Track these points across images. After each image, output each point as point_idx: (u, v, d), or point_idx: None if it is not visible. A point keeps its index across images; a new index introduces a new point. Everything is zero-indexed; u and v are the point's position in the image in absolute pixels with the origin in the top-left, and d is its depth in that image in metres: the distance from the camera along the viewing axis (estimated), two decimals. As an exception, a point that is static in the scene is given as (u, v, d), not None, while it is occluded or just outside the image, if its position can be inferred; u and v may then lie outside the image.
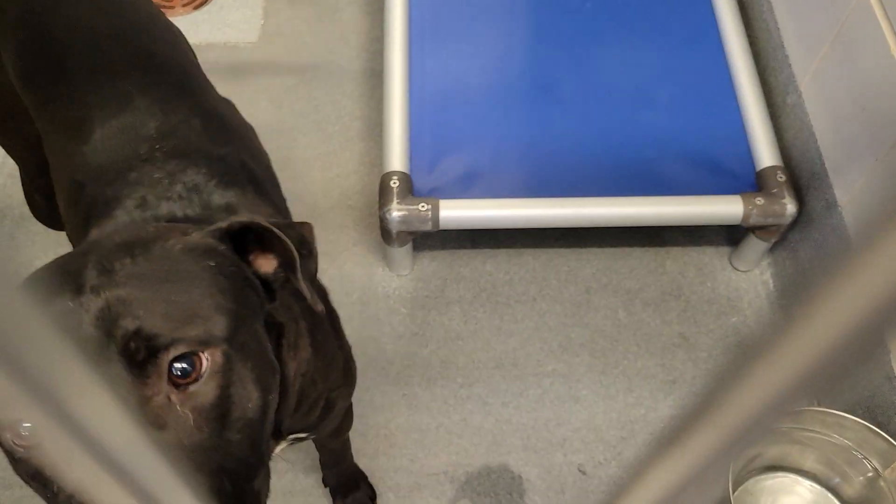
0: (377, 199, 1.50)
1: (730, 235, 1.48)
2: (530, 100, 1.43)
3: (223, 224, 0.59)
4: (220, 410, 0.52)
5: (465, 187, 1.32)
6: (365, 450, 1.27)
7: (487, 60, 1.47)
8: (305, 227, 0.64)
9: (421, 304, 1.40)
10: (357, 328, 1.37)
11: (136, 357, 0.49)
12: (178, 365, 0.51)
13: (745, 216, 1.29)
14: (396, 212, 1.27)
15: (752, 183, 1.34)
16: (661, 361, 1.36)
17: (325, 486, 1.23)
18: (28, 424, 0.47)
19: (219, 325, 0.53)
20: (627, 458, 1.28)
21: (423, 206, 1.27)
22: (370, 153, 1.56)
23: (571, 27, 1.51)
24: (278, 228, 0.59)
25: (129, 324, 0.50)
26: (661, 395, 1.33)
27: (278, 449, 0.87)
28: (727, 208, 1.29)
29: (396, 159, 1.32)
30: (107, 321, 0.50)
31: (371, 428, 1.29)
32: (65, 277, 0.52)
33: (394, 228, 1.28)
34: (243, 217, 0.60)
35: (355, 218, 1.49)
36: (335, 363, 0.87)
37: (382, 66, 1.67)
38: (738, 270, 1.45)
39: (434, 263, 1.45)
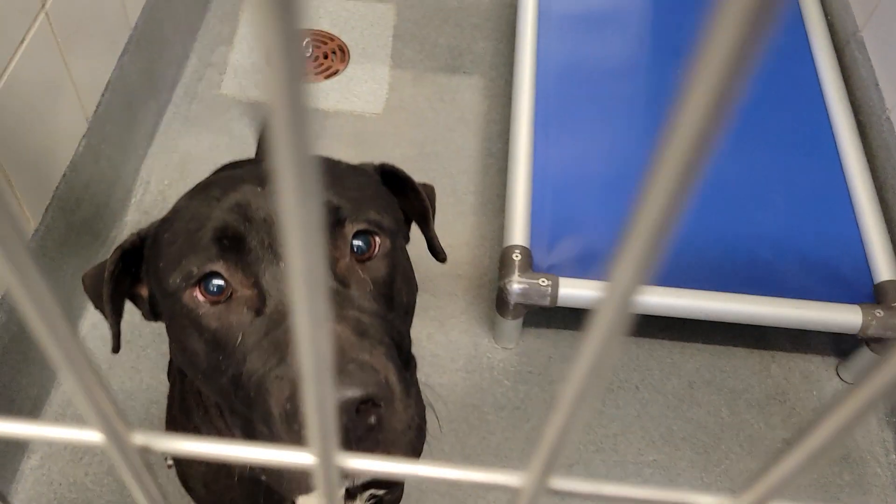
0: (487, 270, 1.54)
1: (837, 345, 1.47)
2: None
3: (375, 163, 0.69)
4: (388, 289, 0.58)
5: (583, 267, 1.35)
6: (461, 518, 1.26)
7: (606, 149, 1.53)
8: (429, 188, 0.74)
9: (525, 379, 1.41)
10: (461, 395, 1.39)
11: (327, 221, 0.56)
12: (357, 242, 0.58)
13: (864, 327, 1.28)
14: (517, 284, 1.30)
15: (870, 294, 1.34)
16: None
17: None
18: None
19: (387, 221, 0.60)
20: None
21: (543, 281, 1.29)
22: (482, 227, 1.61)
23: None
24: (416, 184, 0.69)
25: (322, 198, 0.55)
26: None
27: None
28: (845, 317, 1.29)
29: (519, 234, 1.36)
30: None
31: (469, 498, 1.28)
32: (244, 176, 0.59)
33: (512, 300, 1.31)
34: (392, 165, 0.70)
35: (465, 287, 1.53)
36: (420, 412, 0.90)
37: (498, 147, 1.75)
38: (845, 382, 1.43)
39: (539, 340, 1.46)
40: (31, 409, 1.26)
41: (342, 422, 0.48)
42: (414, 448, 0.54)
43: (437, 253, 0.74)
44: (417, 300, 1.54)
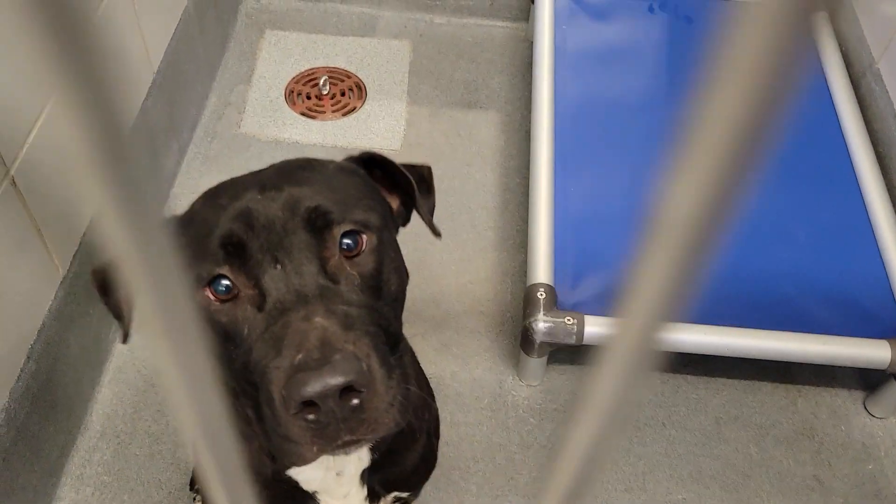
0: (510, 307, 1.54)
1: (864, 379, 1.47)
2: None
3: (356, 154, 0.75)
4: (376, 281, 0.65)
5: (607, 304, 1.35)
6: (490, 561, 1.25)
7: (627, 185, 1.53)
8: (425, 168, 0.79)
9: (550, 417, 1.41)
10: (487, 434, 1.38)
11: (317, 225, 0.63)
12: (345, 240, 0.64)
13: (893, 362, 1.28)
14: (543, 323, 1.30)
15: (896, 328, 1.33)
16: (795, 503, 1.33)
17: None
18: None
19: (373, 219, 0.66)
20: None
21: (569, 320, 1.29)
22: (503, 263, 1.61)
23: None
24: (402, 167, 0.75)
25: (310, 203, 0.63)
26: (795, 538, 1.29)
27: None
28: (873, 352, 1.28)
29: (543, 272, 1.36)
30: (291, 205, 0.63)
31: (497, 539, 1.27)
32: (246, 184, 0.66)
33: (538, 339, 1.31)
34: (372, 152, 0.75)
35: (487, 325, 1.52)
36: (429, 402, 0.94)
37: (516, 182, 1.75)
38: (873, 416, 1.42)
39: (564, 377, 1.46)
40: (57, 457, 1.26)
41: (329, 405, 0.55)
42: (396, 423, 0.60)
43: (433, 229, 0.80)
44: (440, 338, 1.53)
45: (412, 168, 0.78)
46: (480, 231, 1.67)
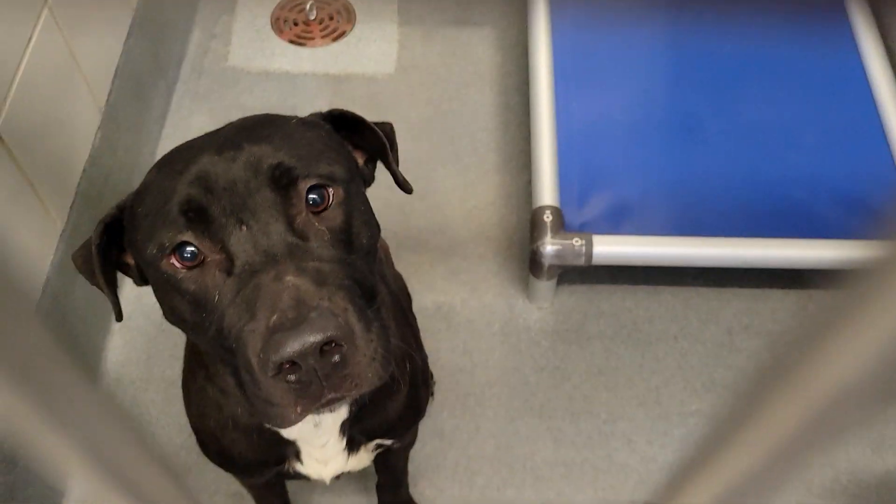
0: (516, 230, 1.53)
1: (875, 281, 1.46)
2: (675, 139, 1.44)
3: (323, 110, 0.72)
4: (346, 235, 0.63)
5: (615, 224, 1.33)
6: (511, 481, 1.27)
7: (631, 99, 1.49)
8: (387, 125, 0.77)
9: (562, 338, 1.41)
10: (500, 359, 1.39)
11: (281, 182, 0.61)
12: (311, 196, 0.62)
13: (906, 263, 1.26)
14: (550, 246, 1.28)
15: (909, 229, 1.31)
16: (808, 407, 1.34)
17: None
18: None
19: (339, 171, 0.65)
20: (778, 505, 1.25)
21: (576, 241, 1.28)
22: (507, 185, 1.59)
23: (714, 68, 1.51)
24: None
25: (272, 160, 0.61)
26: (809, 441, 1.31)
27: (367, 459, 0.89)
28: (886, 254, 1.27)
29: (548, 194, 1.33)
30: (253, 163, 0.61)
31: (517, 459, 1.29)
32: (202, 146, 0.64)
33: (546, 262, 1.30)
34: (341, 109, 0.72)
35: (494, 249, 1.51)
36: (413, 351, 0.92)
37: (516, 101, 1.71)
38: (885, 317, 1.42)
39: (573, 298, 1.45)
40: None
41: (309, 364, 0.54)
42: (379, 376, 0.59)
43: (402, 185, 0.77)
44: (447, 266, 1.52)
45: (378, 124, 0.75)
46: (482, 154, 1.64)
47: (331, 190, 0.63)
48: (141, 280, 0.71)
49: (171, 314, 0.65)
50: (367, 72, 1.76)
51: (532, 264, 1.34)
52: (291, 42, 1.80)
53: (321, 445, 0.81)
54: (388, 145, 0.73)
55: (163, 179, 0.63)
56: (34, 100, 1.09)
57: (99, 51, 1.31)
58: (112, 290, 0.70)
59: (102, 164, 1.30)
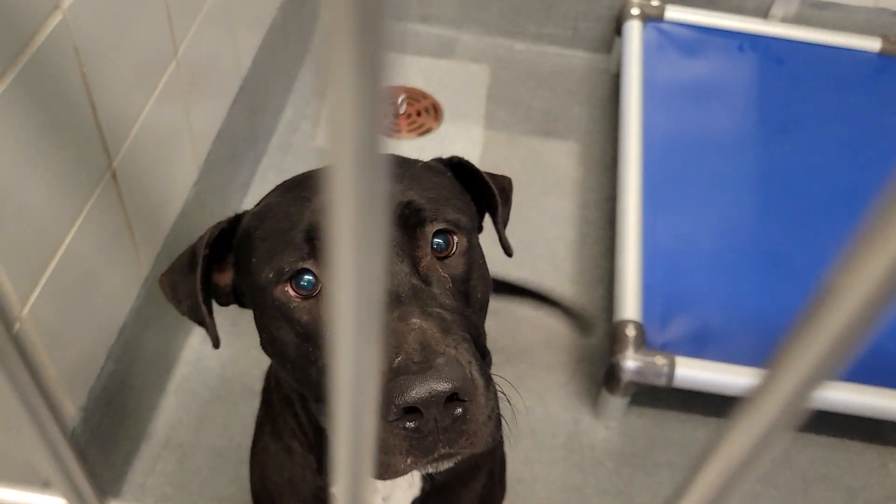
0: (588, 343, 1.49)
1: (961, 446, 1.38)
2: (761, 268, 1.41)
3: (444, 157, 0.71)
4: (465, 286, 0.61)
5: (696, 347, 1.29)
6: None
7: (717, 225, 1.48)
8: (506, 179, 0.77)
9: (628, 462, 1.34)
10: (562, 474, 1.32)
11: (409, 222, 0.59)
12: (437, 240, 0.60)
13: None
14: (632, 361, 1.24)
15: None
16: (887, 573, 1.25)
17: None
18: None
19: (463, 220, 0.63)
20: None
21: (659, 360, 1.23)
22: (580, 297, 1.56)
23: (803, 199, 1.51)
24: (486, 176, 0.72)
25: (402, 198, 0.59)
26: None
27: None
28: (983, 417, 1.21)
29: (631, 308, 1.30)
30: None
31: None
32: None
33: (625, 378, 1.25)
34: (459, 157, 0.72)
35: (564, 360, 1.47)
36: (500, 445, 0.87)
37: (595, 216, 1.71)
38: (972, 486, 1.34)
39: (642, 420, 1.39)
40: (122, 463, 1.22)
41: (432, 414, 0.51)
42: (493, 438, 0.55)
43: (505, 246, 0.75)
44: (515, 371, 1.48)
45: (493, 177, 0.75)
46: (558, 263, 1.62)
47: (456, 237, 0.61)
48: (230, 300, 0.68)
49: (272, 344, 0.62)
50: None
51: (608, 378, 1.29)
52: (378, 132, 1.84)
53: None
54: (498, 200, 0.72)
55: (287, 204, 0.61)
56: (148, 145, 1.10)
57: (208, 109, 1.34)
58: (209, 311, 0.67)
59: (191, 220, 1.30)
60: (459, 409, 0.52)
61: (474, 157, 1.81)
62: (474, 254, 0.63)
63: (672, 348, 1.27)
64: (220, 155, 1.42)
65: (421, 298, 0.56)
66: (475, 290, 0.62)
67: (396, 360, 0.52)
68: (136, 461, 1.26)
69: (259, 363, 1.33)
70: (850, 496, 1.33)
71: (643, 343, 1.26)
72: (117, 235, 1.06)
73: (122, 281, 1.10)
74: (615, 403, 1.33)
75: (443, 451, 0.53)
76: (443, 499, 0.76)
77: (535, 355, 1.47)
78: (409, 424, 0.52)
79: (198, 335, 1.40)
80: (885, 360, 1.31)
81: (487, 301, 0.65)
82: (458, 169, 0.72)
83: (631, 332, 1.27)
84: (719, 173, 1.56)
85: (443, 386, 0.50)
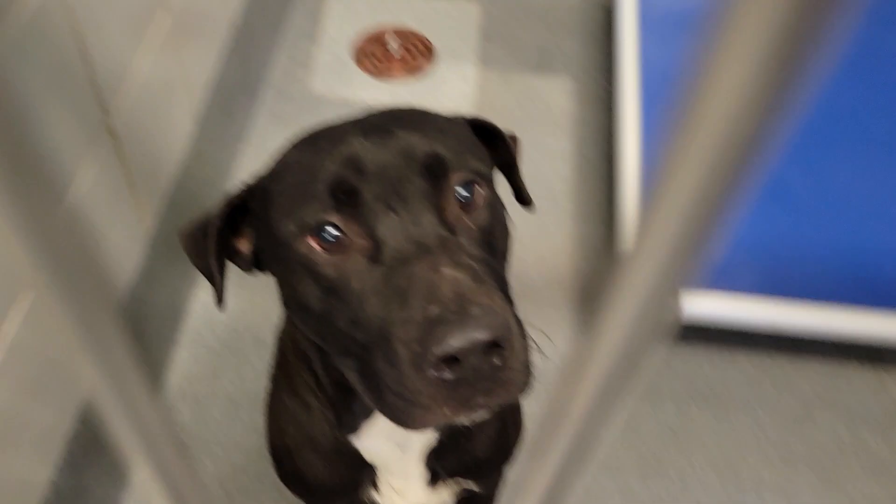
0: (591, 280, 1.50)
1: (958, 365, 1.42)
2: (763, 199, 1.42)
3: (465, 115, 0.71)
4: (490, 236, 0.60)
5: (707, 279, 1.30)
6: (578, 538, 1.22)
7: (718, 158, 1.47)
8: (514, 136, 0.77)
9: (637, 393, 1.37)
10: (570, 409, 1.34)
11: (434, 172, 0.58)
12: (461, 190, 0.60)
13: None
14: (638, 297, 1.25)
15: None
16: (892, 492, 1.29)
17: None
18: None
19: (485, 169, 0.63)
20: (857, 590, 1.20)
21: (665, 295, 1.25)
22: (582, 234, 1.57)
23: (805, 130, 1.50)
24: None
25: (427, 149, 0.59)
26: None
27: (446, 501, 0.83)
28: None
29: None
30: (406, 150, 0.58)
31: None
32: (346, 129, 0.61)
33: (631, 313, 1.27)
34: (477, 116, 0.71)
35: (568, 297, 1.48)
36: None
37: (594, 152, 1.70)
38: (968, 403, 1.38)
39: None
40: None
41: (471, 363, 0.50)
42: (528, 385, 0.55)
43: (525, 200, 0.77)
44: (519, 308, 1.49)
45: (511, 136, 0.75)
46: (558, 201, 1.62)
47: (479, 187, 0.60)
48: (253, 266, 0.68)
49: (295, 300, 0.61)
50: (446, 109, 1.76)
51: (614, 315, 1.31)
52: (371, 74, 1.81)
53: (403, 474, 0.77)
54: (515, 156, 0.72)
55: (307, 157, 0.60)
56: (143, 99, 1.08)
57: (200, 61, 1.32)
58: (221, 273, 0.67)
59: (191, 174, 1.29)
60: (497, 358, 0.52)
61: (468, 96, 1.79)
62: (496, 203, 0.63)
63: (676, 282, 1.29)
64: (215, 105, 1.40)
65: (450, 248, 0.55)
66: (499, 241, 0.62)
67: (431, 310, 0.51)
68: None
69: (267, 315, 1.34)
70: (850, 418, 1.36)
71: (647, 278, 1.28)
72: (117, 192, 1.05)
73: (125, 238, 1.10)
74: (621, 338, 1.35)
75: (481, 400, 0.53)
76: (456, 444, 0.77)
77: (539, 294, 1.48)
78: (448, 375, 0.51)
79: (206, 289, 1.40)
80: (886, 284, 1.33)
81: (508, 250, 0.65)
82: (476, 129, 0.71)
83: (635, 268, 1.28)
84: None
85: (483, 334, 0.50)
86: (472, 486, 0.85)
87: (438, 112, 0.68)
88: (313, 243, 0.57)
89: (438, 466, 0.78)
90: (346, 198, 0.57)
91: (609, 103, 1.74)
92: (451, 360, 0.50)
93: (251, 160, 1.61)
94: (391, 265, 0.55)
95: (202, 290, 1.41)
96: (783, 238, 1.38)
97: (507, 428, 0.85)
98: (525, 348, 0.55)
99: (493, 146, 0.72)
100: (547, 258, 1.53)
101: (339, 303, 0.57)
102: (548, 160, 1.69)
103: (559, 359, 1.39)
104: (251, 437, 1.28)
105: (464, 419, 0.56)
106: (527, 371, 0.55)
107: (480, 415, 0.55)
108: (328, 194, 0.57)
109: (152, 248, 1.18)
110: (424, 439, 0.73)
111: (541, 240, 1.56)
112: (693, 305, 1.27)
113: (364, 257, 0.57)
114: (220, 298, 0.69)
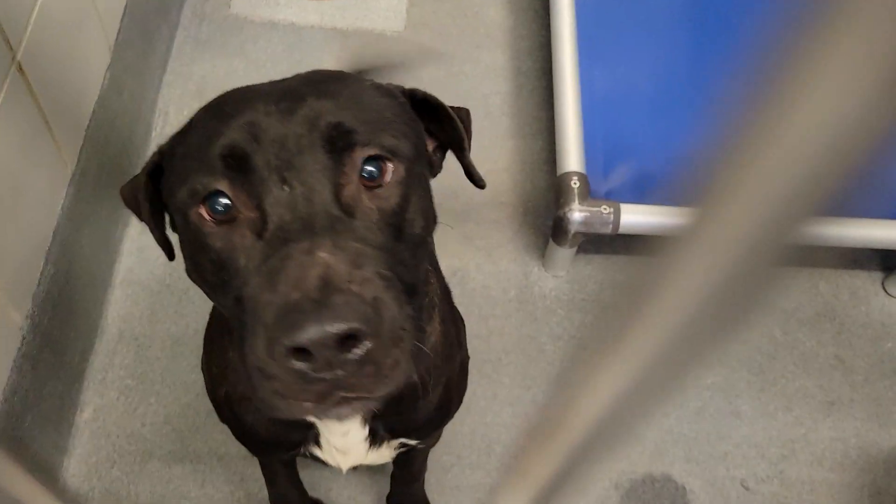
0: (531, 196, 1.50)
1: (883, 261, 1.48)
2: (699, 110, 1.42)
3: (405, 87, 0.65)
4: (397, 220, 0.56)
5: (639, 193, 1.31)
6: (528, 449, 1.26)
7: (654, 67, 1.47)
8: (464, 111, 0.70)
9: (578, 307, 1.39)
10: (516, 326, 1.36)
11: (336, 145, 0.54)
12: (368, 167, 0.55)
13: (925, 243, 1.28)
14: (578, 213, 1.26)
15: (926, 210, 1.33)
16: (818, 382, 1.36)
17: None
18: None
19: (404, 147, 0.57)
20: (790, 477, 1.27)
21: (605, 209, 1.26)
22: (521, 151, 1.56)
23: (736, 40, 1.50)
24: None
25: (332, 118, 0.54)
26: (820, 415, 1.32)
27: (387, 455, 0.84)
28: (892, 233, 1.28)
29: (574, 160, 1.31)
30: (310, 118, 0.54)
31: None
32: (260, 92, 0.58)
33: (572, 229, 1.27)
34: (422, 91, 0.65)
35: (509, 215, 1.48)
36: (454, 351, 0.84)
37: (528, 65, 1.67)
38: (892, 296, 1.44)
39: (589, 267, 1.44)
40: (79, 362, 1.21)
41: (323, 356, 0.47)
42: (401, 382, 0.51)
43: (476, 181, 0.72)
44: (462, 230, 1.48)
45: (458, 111, 0.69)
46: (495, 118, 1.60)
47: (390, 165, 0.56)
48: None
49: (194, 271, 0.59)
50: (375, 27, 1.70)
51: (556, 231, 1.31)
52: (296, -8, 1.73)
53: (342, 434, 0.76)
54: (465, 138, 0.67)
55: (209, 120, 0.57)
56: (52, 30, 1.01)
57: (110, -15, 1.23)
58: (161, 231, 0.65)
59: (110, 108, 1.23)
60: (357, 353, 0.48)
61: (400, 13, 1.73)
62: (413, 185, 0.58)
63: (616, 196, 1.29)
64: (131, 33, 1.32)
65: (336, 230, 0.51)
66: (410, 226, 0.57)
67: (291, 296, 0.47)
68: (93, 357, 1.25)
69: (204, 249, 1.31)
70: (784, 317, 1.42)
71: (587, 193, 1.28)
72: (35, 133, 0.99)
73: (48, 181, 1.05)
74: (563, 254, 1.36)
75: (340, 395, 0.49)
76: (396, 410, 0.75)
77: (480, 213, 1.48)
78: (299, 366, 0.47)
79: (136, 227, 1.36)
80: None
81: (427, 238, 0.60)
82: (420, 103, 0.65)
83: (575, 183, 1.28)
84: (655, 15, 1.53)
85: (333, 327, 0.46)
86: (411, 442, 0.84)
87: (369, 79, 0.63)
88: (203, 212, 0.54)
89: (380, 427, 0.77)
90: (236, 164, 0.53)
91: (545, 15, 1.70)
92: (304, 351, 0.47)
93: (176, 90, 1.54)
94: (271, 242, 0.52)
95: (133, 228, 1.36)
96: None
97: (450, 393, 0.84)
98: (401, 342, 0.51)
99: (440, 123, 0.67)
100: (487, 176, 1.51)
101: (228, 278, 0.54)
102: (484, 76, 1.65)
103: (502, 278, 1.40)
104: (196, 374, 1.26)
105: (332, 416, 0.53)
106: (401, 365, 0.51)
107: (352, 412, 0.52)
108: (220, 160, 0.54)
109: (77, 189, 1.13)
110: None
111: (480, 158, 1.53)
112: (644, 217, 1.28)
113: (251, 232, 0.53)
114: (168, 255, 0.68)
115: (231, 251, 0.54)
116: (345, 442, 0.77)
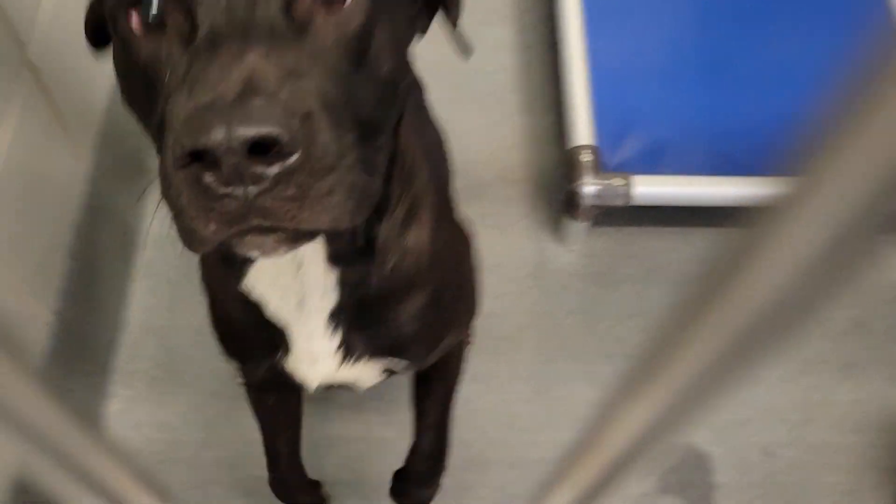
0: (544, 172, 1.50)
1: (898, 222, 1.47)
2: (709, 78, 1.42)
3: None
4: (356, 49, 0.48)
5: (651, 164, 1.31)
6: (549, 423, 1.27)
7: (662, 37, 1.46)
8: None
9: (593, 281, 1.40)
10: (532, 302, 1.37)
11: None
12: None
13: None
14: (591, 186, 1.26)
15: None
16: (834, 346, 1.36)
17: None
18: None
19: None
20: (812, 442, 1.28)
21: (617, 181, 1.26)
22: (530, 127, 1.55)
23: (747, 6, 1.49)
24: None
25: None
26: (838, 378, 1.33)
27: (368, 377, 0.78)
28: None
29: (585, 133, 1.31)
30: None
31: (555, 401, 1.29)
32: None
33: (586, 203, 1.28)
34: None
35: (520, 192, 1.48)
36: (448, 260, 0.77)
37: (534, 39, 1.66)
38: None
39: (602, 240, 1.44)
40: (105, 354, 1.23)
41: (231, 163, 0.40)
42: (336, 217, 0.44)
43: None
44: (473, 208, 1.49)
45: None
46: (503, 95, 1.60)
47: None
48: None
49: (126, 93, 0.53)
50: (379, 9, 1.70)
51: (568, 205, 1.32)
52: None
53: (308, 335, 0.69)
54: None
55: None
56: (63, 26, 1.02)
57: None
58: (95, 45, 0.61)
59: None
60: (276, 167, 0.41)
61: (404, -8, 1.72)
62: (383, 16, 0.50)
63: (628, 167, 1.29)
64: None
65: (277, 39, 0.44)
66: (374, 62, 0.50)
67: (205, 98, 0.41)
68: (119, 349, 1.27)
69: (221, 238, 1.33)
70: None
71: (599, 166, 1.28)
72: (49, 131, 1.00)
73: (65, 178, 1.06)
74: (576, 228, 1.37)
75: (255, 221, 0.43)
76: (370, 311, 0.69)
77: (492, 191, 1.48)
78: (205, 177, 0.41)
79: (157, 220, 1.37)
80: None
81: (394, 83, 0.52)
82: None
83: (586, 157, 1.28)
84: (658, -19, 1.52)
85: (246, 128, 0.39)
86: (402, 365, 0.78)
87: None
88: (135, 19, 0.48)
89: (354, 338, 0.71)
90: None
91: (547, -13, 1.69)
92: (212, 162, 0.40)
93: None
94: (199, 50, 0.44)
95: (153, 222, 1.38)
96: (734, 116, 1.39)
97: (442, 309, 0.77)
98: (338, 167, 0.44)
99: None
100: (496, 153, 1.52)
101: (154, 95, 0.48)
102: (489, 53, 1.65)
103: (516, 255, 1.41)
104: (220, 362, 1.28)
105: (250, 248, 0.46)
106: (337, 196, 0.44)
107: (274, 247, 0.46)
108: None
109: (92, 186, 1.14)
110: (323, 292, 0.65)
111: (488, 135, 1.54)
112: (656, 188, 1.28)
113: (178, 39, 0.47)
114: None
115: (155, 62, 0.47)
116: (312, 345, 0.71)
